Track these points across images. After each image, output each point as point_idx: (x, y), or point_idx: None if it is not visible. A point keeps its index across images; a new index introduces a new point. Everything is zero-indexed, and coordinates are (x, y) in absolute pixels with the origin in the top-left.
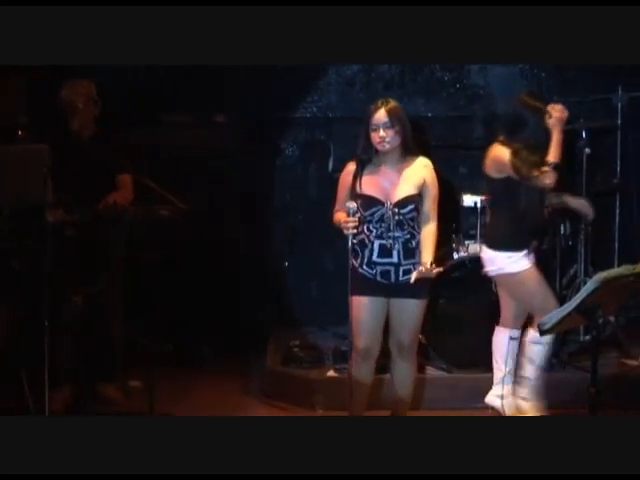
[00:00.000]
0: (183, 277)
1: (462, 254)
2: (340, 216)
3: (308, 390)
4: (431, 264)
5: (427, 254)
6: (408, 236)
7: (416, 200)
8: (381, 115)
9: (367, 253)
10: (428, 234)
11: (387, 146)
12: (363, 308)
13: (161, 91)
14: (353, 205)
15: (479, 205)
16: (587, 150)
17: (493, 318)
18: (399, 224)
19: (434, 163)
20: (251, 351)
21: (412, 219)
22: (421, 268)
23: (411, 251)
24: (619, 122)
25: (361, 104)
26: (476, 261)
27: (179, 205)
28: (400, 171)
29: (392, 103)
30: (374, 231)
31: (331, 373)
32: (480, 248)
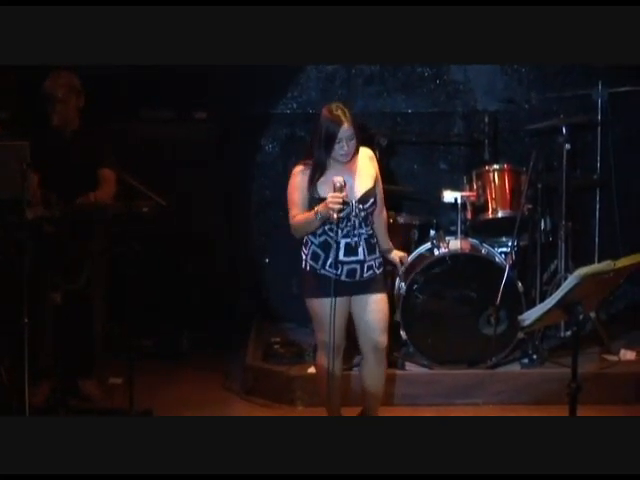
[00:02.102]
0: (163, 272)
1: (443, 250)
2: (307, 215)
3: (288, 387)
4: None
5: (389, 242)
6: (370, 231)
7: (374, 193)
8: (345, 129)
9: (332, 254)
10: (384, 223)
11: (350, 157)
12: (327, 308)
13: (141, 87)
14: (340, 179)
15: (459, 201)
16: (567, 146)
17: (474, 314)
18: (364, 220)
19: (415, 158)
20: (231, 347)
21: (372, 213)
22: (401, 259)
23: (373, 247)
24: (599, 118)
25: (341, 100)
26: (457, 257)
27: (159, 202)
28: (352, 166)
29: (347, 111)
30: (340, 231)
31: (312, 370)
32: (461, 244)
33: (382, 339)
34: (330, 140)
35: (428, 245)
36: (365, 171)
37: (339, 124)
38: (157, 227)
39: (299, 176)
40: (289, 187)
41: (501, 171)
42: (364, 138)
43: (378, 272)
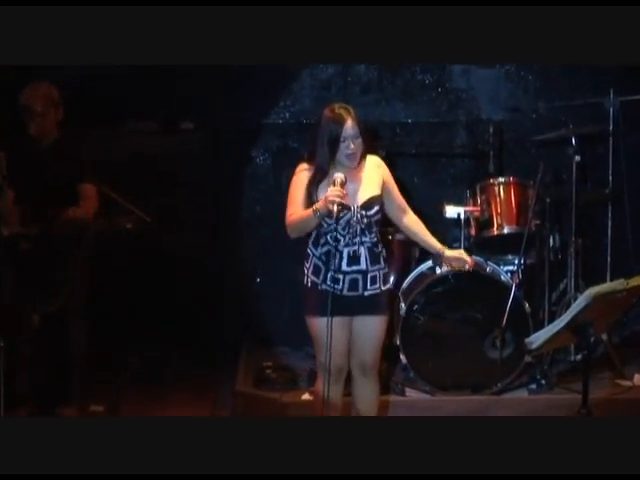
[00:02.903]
0: (146, 291)
1: (445, 269)
2: (304, 213)
3: (281, 414)
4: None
5: (435, 241)
6: (375, 239)
7: (379, 201)
8: (349, 126)
9: (335, 263)
10: (418, 222)
11: (357, 158)
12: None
13: (124, 97)
14: (341, 175)
15: (462, 216)
16: (577, 158)
17: (478, 337)
18: (367, 227)
19: (415, 171)
20: (220, 372)
21: (377, 222)
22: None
23: (377, 256)
24: (611, 128)
25: None
26: (460, 276)
27: (143, 217)
28: (357, 172)
29: (351, 109)
30: (342, 239)
31: (306, 396)
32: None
33: (369, 358)
34: (334, 140)
35: (429, 263)
36: (371, 178)
37: (342, 122)
38: (141, 244)
39: (302, 174)
40: (291, 185)
41: (507, 184)
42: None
43: (384, 288)
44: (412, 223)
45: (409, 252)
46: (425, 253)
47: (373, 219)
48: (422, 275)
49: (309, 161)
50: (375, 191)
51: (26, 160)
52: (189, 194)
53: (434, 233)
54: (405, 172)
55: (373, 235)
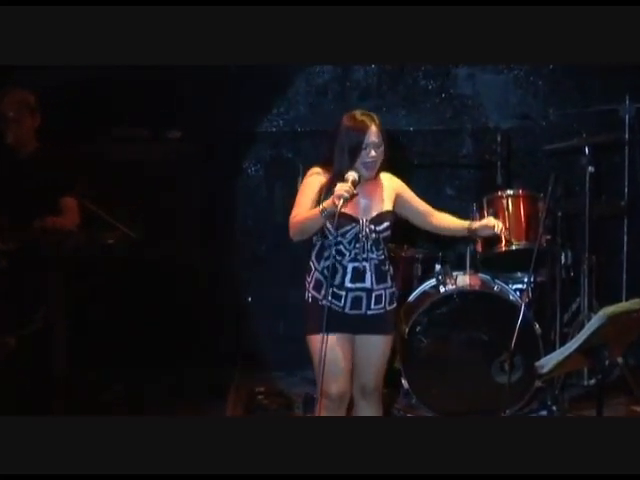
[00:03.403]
0: (131, 310)
1: (450, 287)
2: (311, 212)
3: None
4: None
5: (460, 222)
6: (382, 257)
7: (391, 218)
8: (373, 132)
9: (339, 278)
10: (444, 216)
11: (375, 167)
12: (332, 347)
13: (109, 104)
14: (354, 174)
15: None
16: (590, 169)
17: (485, 360)
18: (375, 243)
19: (418, 183)
20: (209, 397)
21: (386, 238)
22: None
23: (384, 275)
24: (626, 136)
25: (334, 117)
26: (465, 295)
27: (127, 233)
28: (370, 185)
29: (375, 116)
30: (347, 253)
31: None
32: (470, 280)
33: (371, 380)
34: (356, 148)
35: (433, 281)
36: (384, 192)
37: (365, 129)
38: (124, 261)
39: (314, 178)
40: (301, 186)
41: (515, 197)
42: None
43: (389, 308)
44: (441, 220)
45: (411, 270)
46: (428, 271)
47: (382, 235)
48: (425, 294)
49: (323, 166)
50: (387, 206)
51: (4, 171)
52: (176, 208)
53: (438, 248)
54: (407, 183)
55: (381, 252)
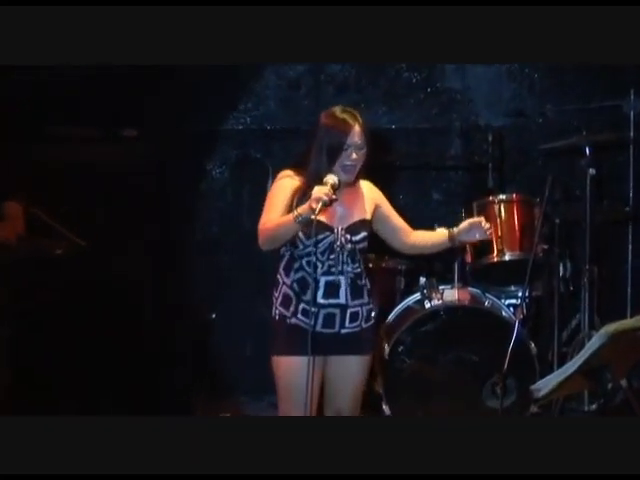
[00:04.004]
0: (79, 331)
1: (435, 302)
2: (283, 218)
3: None
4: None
5: (440, 233)
6: (358, 270)
7: (369, 227)
8: (356, 133)
9: (310, 293)
10: (420, 234)
11: (355, 171)
12: (297, 371)
13: (57, 100)
14: (334, 177)
15: None
16: (591, 170)
17: (475, 383)
18: (351, 255)
19: (401, 186)
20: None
21: (363, 249)
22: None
23: (360, 289)
24: (631, 134)
25: (307, 114)
26: (453, 311)
27: (76, 241)
28: (347, 192)
29: (358, 114)
30: (320, 266)
31: None
32: (458, 294)
33: (346, 404)
34: (336, 149)
35: (417, 296)
36: (362, 200)
37: (347, 129)
38: (72, 273)
39: (285, 181)
40: (271, 190)
41: (509, 202)
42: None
43: (365, 325)
44: (418, 238)
45: (393, 283)
46: (412, 284)
47: (358, 246)
48: (408, 310)
49: (295, 168)
50: (364, 214)
51: None
52: (131, 214)
53: (422, 259)
54: (389, 188)
55: (357, 265)
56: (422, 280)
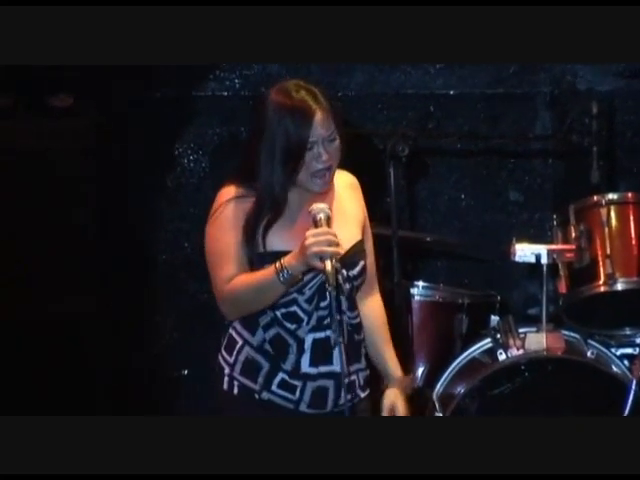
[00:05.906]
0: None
1: (514, 352)
2: (259, 275)
3: None
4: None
5: (393, 358)
6: (357, 319)
7: (364, 253)
8: (319, 122)
9: (292, 359)
10: (379, 314)
11: (330, 177)
12: None
13: None
14: (323, 206)
15: (545, 261)
16: None
17: None
18: (348, 298)
19: (456, 180)
20: None
21: (359, 286)
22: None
23: (357, 348)
24: None
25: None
26: (540, 365)
27: None
28: (328, 201)
29: (319, 91)
30: (305, 319)
31: None
32: (547, 341)
33: None
34: (295, 149)
35: (487, 342)
36: (349, 211)
37: (308, 116)
38: None
39: (233, 207)
40: (215, 223)
41: (623, 205)
42: (354, 145)
43: (363, 395)
44: (374, 316)
45: (450, 324)
46: (478, 325)
47: (356, 283)
48: (474, 362)
49: (241, 182)
50: (356, 234)
51: None
52: (69, 220)
53: (495, 289)
54: (442, 183)
55: (356, 312)
56: (494, 320)
